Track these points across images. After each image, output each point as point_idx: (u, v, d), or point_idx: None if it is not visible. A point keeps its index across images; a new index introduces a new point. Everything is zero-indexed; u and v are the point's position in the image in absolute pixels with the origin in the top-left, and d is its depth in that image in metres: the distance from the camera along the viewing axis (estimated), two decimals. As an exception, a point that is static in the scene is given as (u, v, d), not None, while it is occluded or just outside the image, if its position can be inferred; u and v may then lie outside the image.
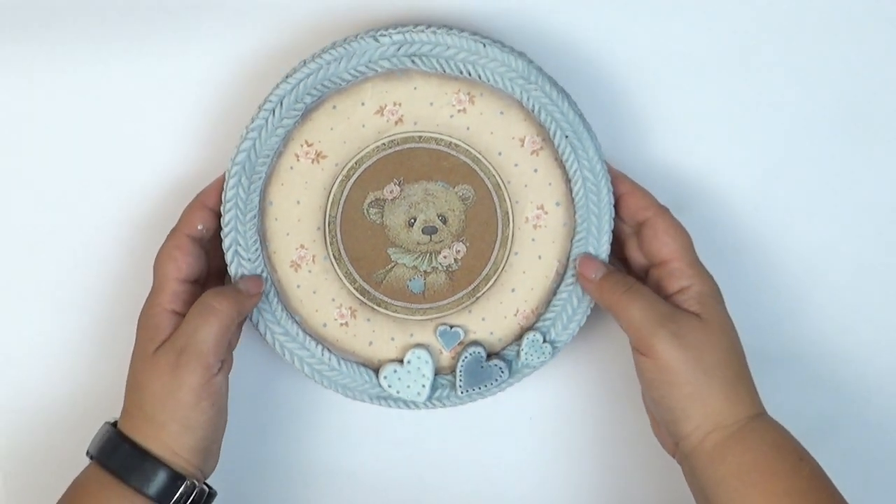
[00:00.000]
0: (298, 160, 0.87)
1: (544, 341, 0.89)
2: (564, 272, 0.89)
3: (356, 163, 0.87)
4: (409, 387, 0.89)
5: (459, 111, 0.86)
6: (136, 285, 0.88)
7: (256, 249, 0.87)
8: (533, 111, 0.86)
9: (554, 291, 0.89)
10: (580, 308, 0.89)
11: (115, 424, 0.85)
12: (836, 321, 0.93)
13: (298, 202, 0.87)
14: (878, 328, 0.93)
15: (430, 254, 0.89)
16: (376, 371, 0.89)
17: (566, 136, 0.86)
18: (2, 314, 0.92)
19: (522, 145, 0.87)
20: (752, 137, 0.91)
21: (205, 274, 0.87)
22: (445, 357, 0.90)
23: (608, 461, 0.94)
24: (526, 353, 0.89)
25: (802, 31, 0.89)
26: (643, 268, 0.88)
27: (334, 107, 0.86)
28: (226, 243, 0.86)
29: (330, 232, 0.88)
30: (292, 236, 0.87)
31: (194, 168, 0.90)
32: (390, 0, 0.87)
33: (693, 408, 0.83)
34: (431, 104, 0.86)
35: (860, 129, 0.91)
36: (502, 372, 0.89)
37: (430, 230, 0.88)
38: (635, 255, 0.88)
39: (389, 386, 0.89)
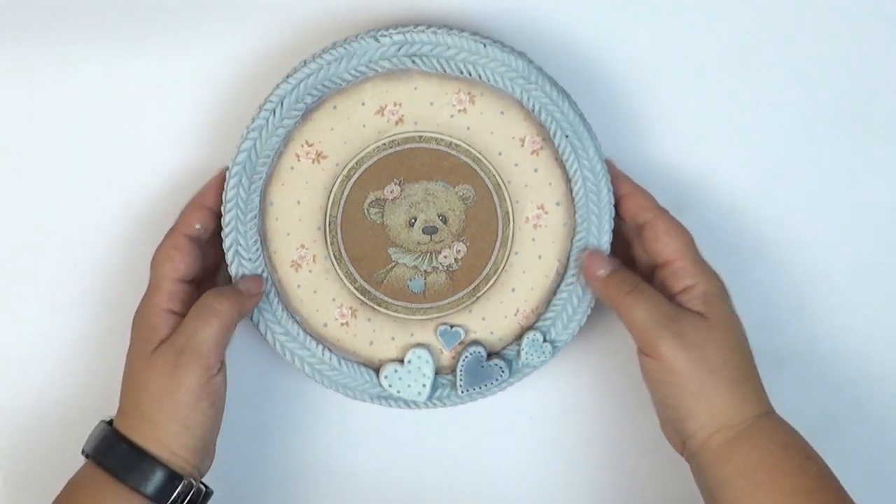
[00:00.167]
0: (299, 160, 0.87)
1: (544, 341, 0.89)
2: (564, 272, 0.89)
3: (357, 163, 0.87)
4: (409, 386, 0.89)
5: (460, 111, 0.86)
6: (136, 285, 0.88)
7: (257, 249, 0.87)
8: (533, 111, 0.86)
9: (554, 291, 0.89)
10: (580, 308, 0.89)
11: (110, 423, 0.85)
12: (836, 320, 0.93)
13: (299, 202, 0.87)
14: (879, 327, 0.93)
15: (431, 253, 0.89)
16: (377, 371, 0.89)
17: (566, 136, 0.86)
18: (2, 314, 0.92)
19: (523, 145, 0.87)
20: (752, 137, 0.91)
21: (201, 274, 0.87)
22: (446, 357, 0.90)
23: (608, 461, 0.94)
24: (526, 353, 0.89)
25: (802, 31, 0.89)
26: (649, 267, 0.88)
27: (335, 107, 0.86)
28: (226, 243, 0.86)
29: (330, 232, 0.88)
30: (293, 236, 0.88)
31: (194, 168, 0.89)
32: (390, 0, 0.87)
33: (698, 407, 0.83)
34: (432, 104, 0.86)
35: (860, 129, 0.91)
36: (503, 371, 0.89)
37: (430, 230, 0.88)
38: (641, 255, 0.88)
39: (390, 385, 0.89)
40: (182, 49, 0.89)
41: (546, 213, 0.88)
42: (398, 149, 0.87)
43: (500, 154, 0.87)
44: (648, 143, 0.91)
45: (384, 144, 0.87)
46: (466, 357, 0.89)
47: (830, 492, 0.82)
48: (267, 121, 0.85)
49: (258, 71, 0.88)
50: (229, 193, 0.86)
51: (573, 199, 0.88)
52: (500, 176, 0.88)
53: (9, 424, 0.93)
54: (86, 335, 0.92)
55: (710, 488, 0.83)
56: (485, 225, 0.88)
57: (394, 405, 0.90)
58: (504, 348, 0.90)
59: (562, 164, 0.87)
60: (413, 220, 0.88)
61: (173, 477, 0.82)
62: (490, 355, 0.89)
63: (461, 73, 0.86)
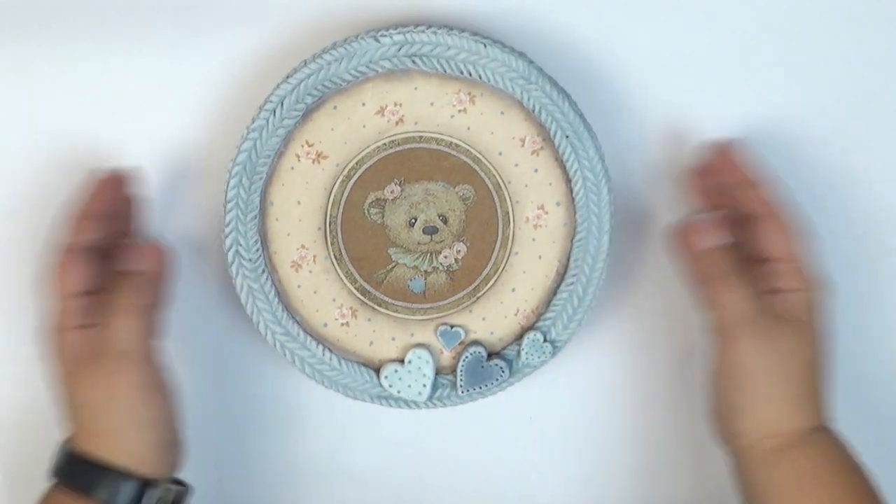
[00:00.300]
0: (299, 160, 0.87)
1: (545, 341, 0.89)
2: (565, 272, 0.89)
3: (357, 163, 0.87)
4: (409, 386, 0.89)
5: (460, 111, 0.86)
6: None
7: (257, 250, 0.87)
8: (533, 111, 0.86)
9: (554, 291, 0.89)
10: (580, 308, 0.89)
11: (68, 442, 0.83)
12: (836, 320, 0.92)
13: (299, 202, 0.87)
14: (879, 327, 0.93)
15: (431, 254, 0.89)
16: (377, 371, 0.89)
17: (566, 136, 0.86)
18: (2, 313, 0.92)
19: (523, 145, 0.87)
20: (752, 137, 0.91)
21: (99, 281, 0.84)
22: (446, 357, 0.90)
23: (608, 461, 0.94)
24: (526, 353, 0.89)
25: (802, 31, 0.90)
26: (750, 256, 0.84)
27: (335, 107, 0.86)
28: (227, 244, 0.86)
29: (331, 232, 0.88)
30: (293, 236, 0.88)
31: (195, 168, 0.89)
32: (391, 0, 0.87)
33: (758, 408, 0.81)
34: (432, 104, 0.86)
35: (860, 129, 0.91)
36: (503, 371, 0.89)
37: (430, 230, 0.88)
38: (745, 242, 0.84)
39: (390, 386, 0.89)
40: (182, 49, 0.89)
41: (546, 213, 0.88)
42: (398, 149, 0.87)
43: (500, 154, 0.87)
44: (648, 143, 0.91)
45: (384, 144, 0.87)
46: (467, 357, 0.89)
47: None
48: (267, 121, 0.85)
49: (258, 71, 0.88)
50: (230, 193, 0.86)
51: (573, 199, 0.88)
52: (500, 176, 0.88)
53: (9, 424, 0.93)
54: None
55: (749, 488, 0.82)
56: (485, 225, 0.88)
57: (394, 405, 0.90)
58: (504, 348, 0.90)
59: (562, 165, 0.87)
60: (413, 221, 0.88)
61: (144, 484, 0.81)
62: (490, 355, 0.89)
63: (461, 73, 0.86)
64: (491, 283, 0.89)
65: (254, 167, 0.86)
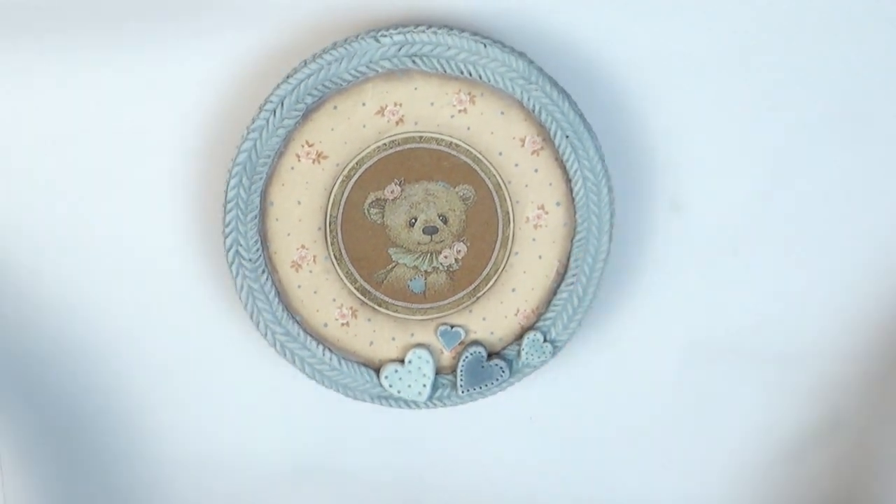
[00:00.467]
0: (299, 160, 0.87)
1: (545, 341, 0.89)
2: (565, 272, 0.89)
3: (357, 163, 0.87)
4: (409, 386, 0.89)
5: (460, 111, 0.87)
6: (135, 285, 0.89)
7: (257, 250, 0.87)
8: (533, 111, 0.86)
9: (554, 291, 0.89)
10: (580, 308, 0.89)
11: None
12: (836, 321, 0.93)
13: (299, 202, 0.87)
14: (879, 327, 0.94)
15: (431, 254, 0.89)
16: (377, 371, 0.89)
17: (566, 136, 0.87)
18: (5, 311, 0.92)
19: (523, 145, 0.87)
20: (752, 137, 0.91)
21: None
22: (446, 357, 0.90)
23: (608, 461, 0.95)
24: (526, 353, 0.89)
25: (802, 31, 0.89)
26: None
27: (335, 107, 0.86)
28: (227, 244, 0.86)
29: (331, 232, 0.88)
30: (293, 236, 0.88)
31: (195, 168, 0.90)
32: (391, 0, 0.87)
33: None
34: (432, 104, 0.86)
35: (860, 129, 0.91)
36: (503, 371, 0.89)
37: (430, 230, 0.88)
38: None
39: (390, 386, 0.89)
40: (182, 49, 0.89)
41: (546, 213, 0.88)
42: (398, 149, 0.87)
43: (500, 154, 0.87)
44: (648, 143, 0.91)
45: (384, 145, 0.87)
46: (467, 357, 0.89)
47: None
48: (267, 121, 0.85)
49: (258, 71, 0.88)
50: (230, 193, 0.86)
51: (573, 199, 0.88)
52: (500, 176, 0.88)
53: (9, 424, 0.93)
54: (86, 334, 0.92)
55: None
56: (485, 225, 0.88)
57: (394, 405, 0.90)
58: (504, 348, 0.90)
59: (562, 165, 0.87)
60: (413, 221, 0.88)
61: None
62: (490, 355, 0.89)
63: (461, 73, 0.86)
64: (491, 283, 0.89)
65: (254, 167, 0.86)
